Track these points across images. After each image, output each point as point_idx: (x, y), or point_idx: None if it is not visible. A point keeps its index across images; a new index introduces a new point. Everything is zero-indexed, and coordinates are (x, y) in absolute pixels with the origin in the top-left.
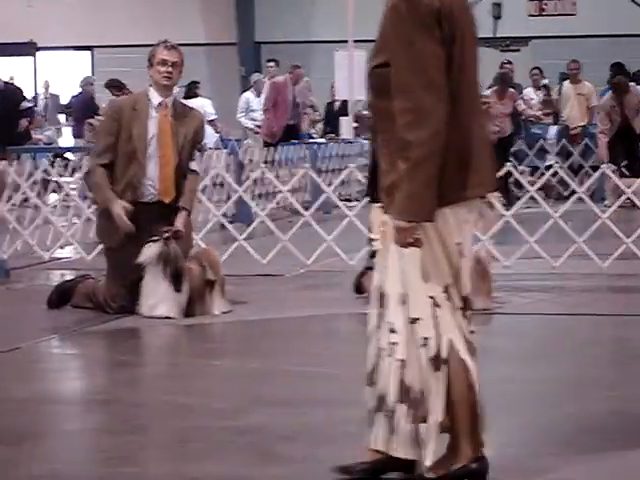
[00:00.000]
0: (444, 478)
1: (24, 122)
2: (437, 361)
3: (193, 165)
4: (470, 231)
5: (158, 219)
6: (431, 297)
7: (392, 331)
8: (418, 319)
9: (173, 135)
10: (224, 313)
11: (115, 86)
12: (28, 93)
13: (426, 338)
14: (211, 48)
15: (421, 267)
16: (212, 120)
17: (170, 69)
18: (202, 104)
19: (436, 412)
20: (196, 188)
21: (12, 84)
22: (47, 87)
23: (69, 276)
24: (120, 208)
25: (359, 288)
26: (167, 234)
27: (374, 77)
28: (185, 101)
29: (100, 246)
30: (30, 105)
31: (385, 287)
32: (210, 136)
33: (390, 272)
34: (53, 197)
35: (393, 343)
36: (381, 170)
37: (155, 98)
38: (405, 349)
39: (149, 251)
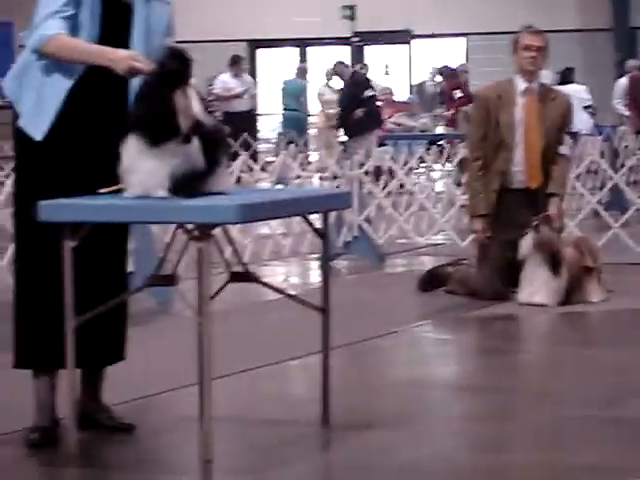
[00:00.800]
0: None
1: (359, 112)
2: None
3: (562, 149)
4: None
5: (527, 205)
6: None
7: None
8: None
9: (539, 120)
10: (600, 302)
11: None
12: (403, 81)
13: None
14: (585, 34)
15: None
16: (588, 106)
17: (534, 54)
18: (577, 90)
19: None
20: (566, 173)
21: (360, 73)
22: (434, 74)
23: (443, 262)
24: (480, 225)
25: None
26: (538, 221)
27: None
28: (560, 87)
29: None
30: (372, 94)
31: None
32: (585, 122)
33: None
34: (428, 184)
35: None
36: None
37: (520, 84)
38: None
39: (525, 243)
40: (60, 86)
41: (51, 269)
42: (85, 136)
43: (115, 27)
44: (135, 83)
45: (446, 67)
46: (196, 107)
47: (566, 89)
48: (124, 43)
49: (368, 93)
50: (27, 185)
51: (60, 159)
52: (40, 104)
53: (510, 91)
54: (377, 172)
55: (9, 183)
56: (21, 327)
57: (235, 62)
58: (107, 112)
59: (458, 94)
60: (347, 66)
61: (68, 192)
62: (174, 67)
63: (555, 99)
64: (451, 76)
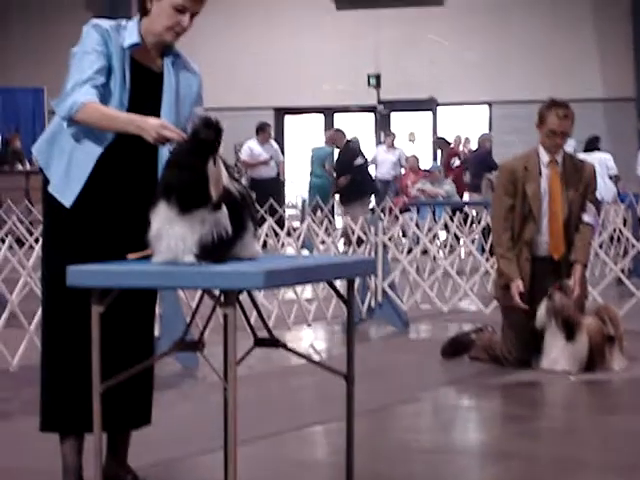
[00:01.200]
0: None
1: (342, 179)
2: None
3: (586, 217)
4: None
5: (551, 273)
6: None
7: None
8: None
9: (562, 191)
10: (622, 369)
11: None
12: (428, 148)
13: None
14: (609, 103)
15: None
16: (613, 175)
17: (559, 140)
18: (603, 158)
19: None
20: (590, 240)
21: (353, 142)
22: (459, 143)
23: (467, 328)
24: (517, 288)
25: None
26: (552, 288)
27: None
28: (585, 155)
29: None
30: (362, 162)
31: None
32: (609, 190)
33: None
34: (452, 250)
35: None
36: None
37: (545, 156)
38: None
39: (540, 311)
40: (90, 153)
41: (78, 333)
42: (114, 203)
43: (145, 95)
44: (164, 151)
45: (441, 139)
46: (224, 175)
47: (591, 157)
48: (154, 111)
49: (358, 162)
50: (55, 250)
51: (89, 225)
52: (70, 171)
53: (535, 162)
54: (347, 236)
55: (38, 247)
56: (48, 391)
57: (262, 129)
58: (136, 179)
59: (456, 162)
60: (344, 134)
61: (97, 258)
62: (207, 136)
63: (579, 168)
64: (446, 146)
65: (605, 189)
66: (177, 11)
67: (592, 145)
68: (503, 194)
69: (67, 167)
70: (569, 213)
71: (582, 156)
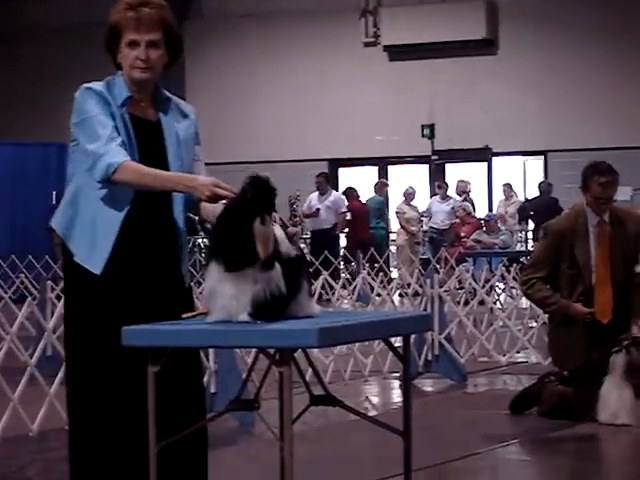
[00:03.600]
0: None
1: (291, 230)
2: None
3: (638, 268)
4: None
5: (598, 336)
6: None
7: None
8: None
9: (611, 254)
10: None
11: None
12: (482, 198)
13: None
14: None
15: None
16: None
17: (605, 204)
18: None
19: None
20: None
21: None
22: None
23: (525, 381)
24: (580, 307)
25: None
26: (626, 341)
27: None
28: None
29: None
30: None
31: None
32: None
33: None
34: (509, 301)
35: None
36: None
37: (592, 217)
38: None
39: (615, 361)
40: (113, 219)
41: (104, 394)
42: (141, 264)
43: (149, 147)
44: (177, 206)
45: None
46: (278, 233)
47: None
48: (160, 161)
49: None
50: (82, 314)
51: (121, 289)
52: (95, 239)
53: (583, 223)
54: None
55: (60, 305)
56: (76, 456)
57: (317, 180)
58: (157, 237)
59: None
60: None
61: (131, 320)
62: (254, 195)
63: (626, 222)
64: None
65: None
66: (130, 47)
67: None
68: (548, 257)
69: (91, 236)
70: (621, 273)
71: (626, 207)
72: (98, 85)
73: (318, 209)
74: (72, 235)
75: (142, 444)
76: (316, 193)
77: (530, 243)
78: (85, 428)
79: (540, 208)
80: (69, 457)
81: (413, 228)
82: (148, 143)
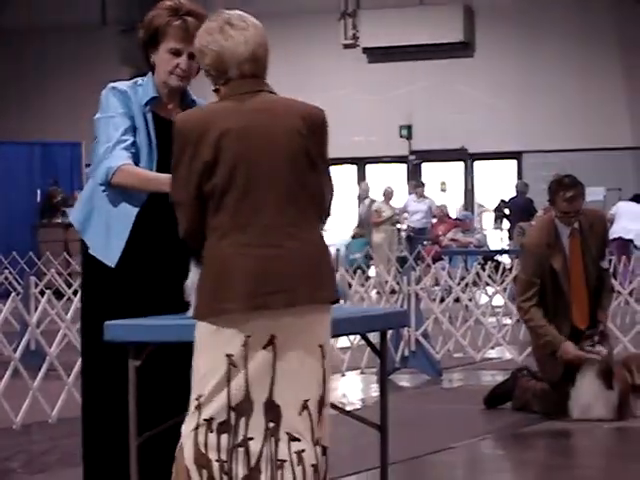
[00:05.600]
0: None
1: None
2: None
3: (604, 264)
4: None
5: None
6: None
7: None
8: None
9: (584, 261)
10: None
11: None
12: (459, 198)
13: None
14: (638, 152)
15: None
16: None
17: (572, 217)
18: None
19: None
20: (609, 287)
21: None
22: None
23: (499, 376)
24: (572, 347)
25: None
26: (596, 336)
27: None
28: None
29: (529, 348)
30: None
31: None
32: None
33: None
34: (484, 298)
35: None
36: None
37: (563, 228)
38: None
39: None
40: (127, 214)
41: (118, 387)
42: (154, 259)
43: (169, 145)
44: None
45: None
46: None
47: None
48: None
49: None
50: (98, 307)
51: (134, 282)
52: (110, 233)
53: (555, 236)
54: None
55: (77, 299)
56: (89, 444)
57: None
58: (171, 233)
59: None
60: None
61: (142, 313)
62: None
63: (593, 224)
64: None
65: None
66: (172, 54)
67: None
68: (532, 275)
69: (106, 230)
70: (591, 279)
71: (621, 204)
72: (123, 85)
73: None
74: (88, 229)
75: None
76: None
77: (506, 242)
78: (99, 419)
79: (516, 208)
80: (82, 450)
81: (389, 227)
82: (170, 142)
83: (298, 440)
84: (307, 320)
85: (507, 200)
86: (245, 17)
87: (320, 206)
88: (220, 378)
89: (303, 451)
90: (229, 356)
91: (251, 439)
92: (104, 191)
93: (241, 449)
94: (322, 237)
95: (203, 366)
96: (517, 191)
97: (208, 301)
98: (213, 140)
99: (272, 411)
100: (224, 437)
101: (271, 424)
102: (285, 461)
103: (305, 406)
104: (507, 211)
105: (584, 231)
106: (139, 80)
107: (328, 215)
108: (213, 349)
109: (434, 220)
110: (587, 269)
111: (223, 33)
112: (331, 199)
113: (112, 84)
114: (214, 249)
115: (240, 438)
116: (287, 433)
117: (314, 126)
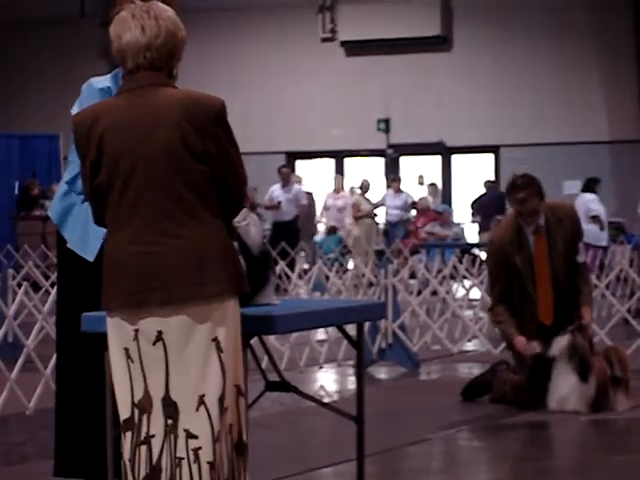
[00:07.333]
0: None
1: None
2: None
3: (580, 258)
4: None
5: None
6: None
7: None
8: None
9: (549, 256)
10: (626, 410)
11: None
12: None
13: (231, 425)
14: (614, 146)
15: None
16: (594, 217)
17: (530, 219)
18: (587, 200)
19: None
20: (588, 281)
21: None
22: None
23: (476, 369)
24: (522, 343)
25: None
26: (573, 327)
27: None
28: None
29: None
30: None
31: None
32: (591, 232)
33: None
34: (461, 291)
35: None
36: None
37: (526, 225)
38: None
39: (558, 344)
40: None
41: (92, 380)
42: None
43: None
44: None
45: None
46: (252, 229)
47: (580, 197)
48: None
49: None
50: (74, 299)
51: None
52: (88, 228)
53: (519, 233)
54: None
55: (54, 292)
56: (61, 435)
57: (279, 172)
58: None
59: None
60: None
61: None
62: None
63: (562, 219)
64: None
65: (590, 231)
66: None
67: (588, 187)
68: (496, 271)
69: (84, 225)
70: (559, 272)
71: (559, 203)
72: (105, 79)
73: (279, 202)
74: (66, 224)
75: None
76: (278, 185)
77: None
78: (72, 410)
79: (486, 204)
80: (54, 440)
81: (367, 221)
82: None
83: (195, 437)
84: (192, 316)
85: (477, 197)
86: (153, 7)
87: (208, 199)
88: (123, 372)
89: (200, 448)
90: (126, 350)
91: (153, 436)
92: (83, 202)
93: (144, 447)
94: (214, 230)
95: (113, 362)
96: (486, 189)
97: (103, 296)
98: (97, 138)
99: (169, 408)
100: (128, 435)
101: (170, 421)
102: (183, 459)
103: (202, 402)
104: (477, 208)
105: (550, 227)
106: (117, 71)
107: (236, 205)
108: (114, 342)
109: (414, 212)
110: (553, 266)
111: (124, 24)
112: (239, 189)
113: (92, 79)
114: (106, 244)
115: (143, 436)
116: (185, 430)
117: (199, 117)
